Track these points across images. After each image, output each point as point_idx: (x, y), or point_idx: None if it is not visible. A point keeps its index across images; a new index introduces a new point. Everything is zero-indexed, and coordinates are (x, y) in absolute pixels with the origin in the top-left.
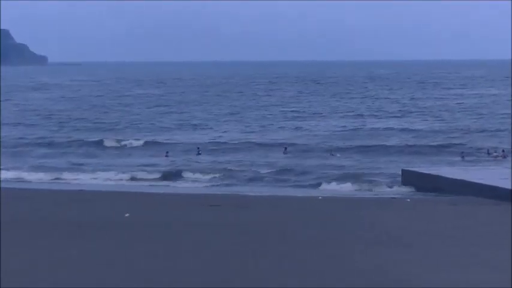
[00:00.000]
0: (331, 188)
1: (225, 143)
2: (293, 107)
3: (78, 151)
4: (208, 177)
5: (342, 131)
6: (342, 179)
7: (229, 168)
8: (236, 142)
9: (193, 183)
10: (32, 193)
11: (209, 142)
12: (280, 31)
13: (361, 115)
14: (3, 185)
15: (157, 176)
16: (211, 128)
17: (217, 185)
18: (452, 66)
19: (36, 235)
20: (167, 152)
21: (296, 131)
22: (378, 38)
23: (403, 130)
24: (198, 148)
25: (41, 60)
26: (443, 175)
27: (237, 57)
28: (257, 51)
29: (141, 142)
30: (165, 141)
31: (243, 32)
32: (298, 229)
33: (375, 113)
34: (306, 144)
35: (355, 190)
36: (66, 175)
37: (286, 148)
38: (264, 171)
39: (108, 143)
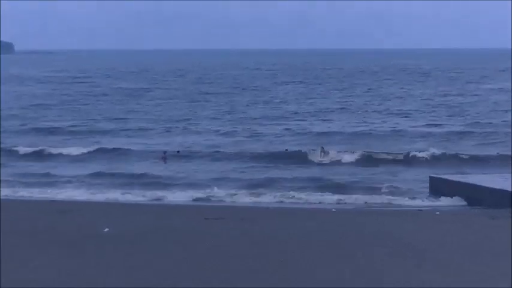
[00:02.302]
0: (342, 198)
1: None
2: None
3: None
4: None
5: (370, 131)
6: (356, 188)
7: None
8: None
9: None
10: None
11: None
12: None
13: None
14: None
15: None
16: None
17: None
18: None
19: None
20: (178, 151)
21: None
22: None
23: (429, 131)
24: (165, 152)
25: (7, 47)
26: (478, 183)
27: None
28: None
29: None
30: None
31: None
32: (311, 247)
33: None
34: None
35: (371, 201)
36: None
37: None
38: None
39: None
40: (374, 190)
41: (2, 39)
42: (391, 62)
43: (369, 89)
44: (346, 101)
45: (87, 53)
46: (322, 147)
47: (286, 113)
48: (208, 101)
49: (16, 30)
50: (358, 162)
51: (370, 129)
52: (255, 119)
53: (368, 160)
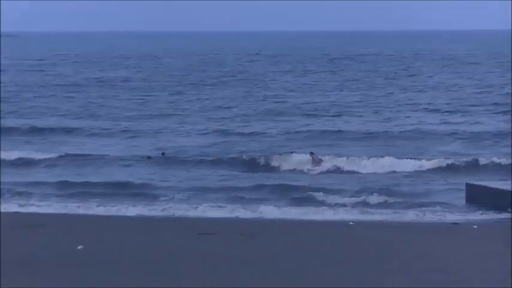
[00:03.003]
0: (360, 209)
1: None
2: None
3: None
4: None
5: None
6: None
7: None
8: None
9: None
10: None
11: None
12: None
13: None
14: None
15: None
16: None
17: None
18: None
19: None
20: (163, 153)
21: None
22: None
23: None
24: (163, 153)
25: None
26: None
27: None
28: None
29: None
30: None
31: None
32: (328, 267)
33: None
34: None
35: (395, 212)
36: None
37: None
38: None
39: None
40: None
41: None
42: (418, 46)
43: (390, 78)
44: (365, 94)
45: (54, 35)
46: (312, 153)
47: (290, 108)
48: (199, 93)
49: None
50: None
51: (388, 129)
52: (252, 115)
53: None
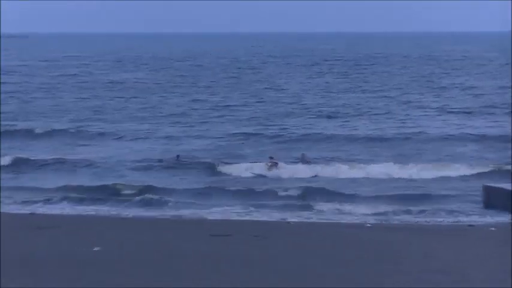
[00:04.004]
0: (376, 210)
1: None
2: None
3: None
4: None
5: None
6: (390, 198)
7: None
8: None
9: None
10: None
11: None
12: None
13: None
14: None
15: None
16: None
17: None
18: None
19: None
20: (178, 156)
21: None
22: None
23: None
24: (178, 156)
25: None
26: None
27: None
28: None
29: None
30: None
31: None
32: (345, 267)
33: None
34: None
35: (410, 214)
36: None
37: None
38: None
39: None
40: (411, 202)
41: None
42: (430, 47)
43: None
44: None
45: (96, 37)
46: (303, 154)
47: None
48: (212, 95)
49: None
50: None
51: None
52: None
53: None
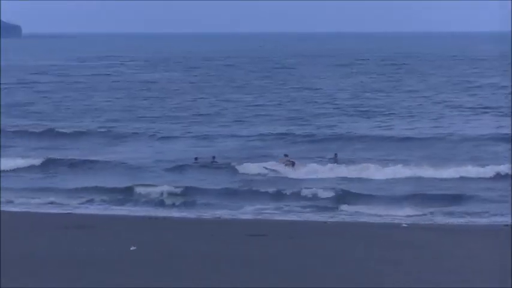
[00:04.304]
0: (411, 211)
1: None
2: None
3: None
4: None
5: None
6: (425, 198)
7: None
8: None
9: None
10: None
11: None
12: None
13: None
14: None
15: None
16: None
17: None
18: None
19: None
20: (214, 159)
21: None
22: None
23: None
24: (214, 157)
25: (14, 30)
26: None
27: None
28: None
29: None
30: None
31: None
32: (383, 271)
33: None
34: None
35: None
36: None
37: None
38: None
39: None
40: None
41: (8, 21)
42: (444, 47)
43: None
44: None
45: (100, 37)
46: (336, 154)
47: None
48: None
49: (25, 11)
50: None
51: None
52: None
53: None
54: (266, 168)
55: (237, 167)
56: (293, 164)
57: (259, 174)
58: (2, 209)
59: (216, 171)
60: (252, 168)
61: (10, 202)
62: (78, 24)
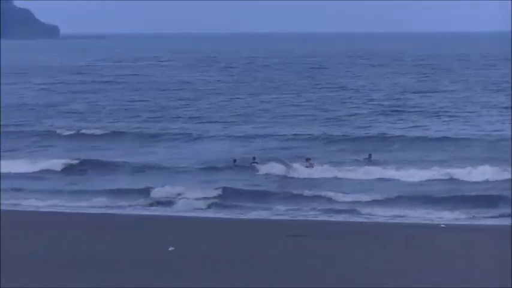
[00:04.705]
0: (449, 212)
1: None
2: None
3: None
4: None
5: None
6: (463, 199)
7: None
8: None
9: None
10: (40, 218)
11: None
12: None
13: None
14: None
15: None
16: None
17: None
18: None
19: (61, 276)
20: (254, 160)
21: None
22: None
23: None
24: (254, 158)
25: (52, 31)
26: None
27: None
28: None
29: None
30: None
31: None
32: (423, 274)
33: None
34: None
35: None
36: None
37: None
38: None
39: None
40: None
41: (46, 22)
42: (456, 47)
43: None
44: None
45: (142, 37)
46: (370, 155)
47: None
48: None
49: (62, 12)
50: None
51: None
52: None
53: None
54: (289, 168)
55: (260, 167)
56: (312, 165)
57: (285, 176)
58: (39, 210)
59: (252, 171)
60: (277, 168)
61: (43, 203)
62: (116, 24)
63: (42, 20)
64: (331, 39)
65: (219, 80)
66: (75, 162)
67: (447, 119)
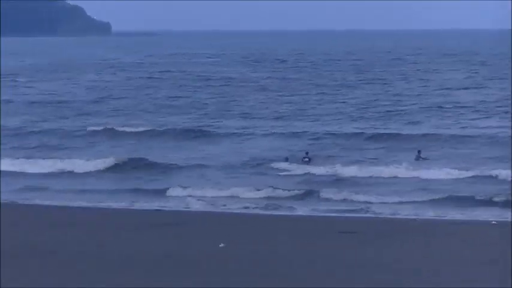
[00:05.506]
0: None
1: None
2: None
3: None
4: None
5: None
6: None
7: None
8: None
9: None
10: (95, 215)
11: None
12: None
13: None
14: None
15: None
16: None
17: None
18: None
19: (111, 273)
20: (307, 155)
21: None
22: None
23: None
24: (307, 153)
25: (104, 28)
26: None
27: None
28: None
29: None
30: None
31: None
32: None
33: None
34: None
35: None
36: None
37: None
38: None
39: None
40: None
41: (98, 18)
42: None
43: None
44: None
45: (194, 35)
46: (419, 152)
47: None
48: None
49: (114, 9)
50: None
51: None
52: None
53: None
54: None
55: (309, 166)
56: (309, 161)
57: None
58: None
59: (303, 169)
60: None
61: (100, 202)
62: (165, 22)
63: (94, 17)
64: (365, 36)
65: (269, 77)
66: (124, 159)
67: (497, 118)
